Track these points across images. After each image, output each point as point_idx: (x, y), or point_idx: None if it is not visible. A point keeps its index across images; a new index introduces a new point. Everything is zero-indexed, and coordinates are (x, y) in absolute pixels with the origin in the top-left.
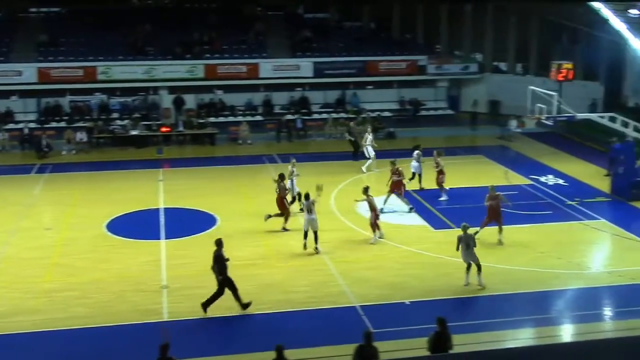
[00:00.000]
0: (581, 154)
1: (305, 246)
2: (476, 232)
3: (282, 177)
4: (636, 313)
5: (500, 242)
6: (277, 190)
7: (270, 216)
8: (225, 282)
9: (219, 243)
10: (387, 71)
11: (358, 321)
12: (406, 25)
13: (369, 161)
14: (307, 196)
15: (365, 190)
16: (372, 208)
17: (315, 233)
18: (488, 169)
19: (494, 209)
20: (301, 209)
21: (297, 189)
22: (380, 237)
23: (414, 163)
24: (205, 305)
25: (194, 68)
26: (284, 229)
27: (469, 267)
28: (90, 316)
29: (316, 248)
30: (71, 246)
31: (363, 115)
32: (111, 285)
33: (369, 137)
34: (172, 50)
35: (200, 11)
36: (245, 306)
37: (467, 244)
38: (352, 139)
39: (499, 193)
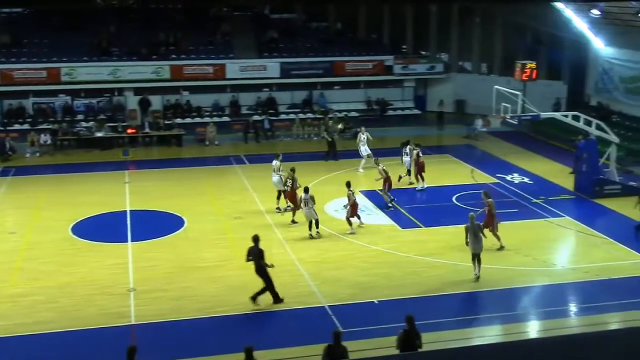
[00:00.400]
0: (546, 153)
1: (311, 236)
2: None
3: (293, 170)
4: (601, 308)
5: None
6: (289, 184)
7: (285, 210)
8: (260, 273)
9: (255, 239)
10: (354, 71)
11: (327, 321)
12: (372, 26)
13: (363, 160)
14: (306, 189)
15: (348, 184)
16: (351, 203)
17: (317, 221)
18: (454, 168)
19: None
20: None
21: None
22: (352, 231)
23: (405, 158)
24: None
25: (160, 69)
26: (293, 222)
27: (474, 257)
28: (56, 320)
29: (318, 232)
30: (36, 250)
31: (330, 116)
32: (77, 289)
33: (363, 136)
34: (138, 51)
35: (166, 12)
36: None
37: (474, 233)
38: (330, 138)
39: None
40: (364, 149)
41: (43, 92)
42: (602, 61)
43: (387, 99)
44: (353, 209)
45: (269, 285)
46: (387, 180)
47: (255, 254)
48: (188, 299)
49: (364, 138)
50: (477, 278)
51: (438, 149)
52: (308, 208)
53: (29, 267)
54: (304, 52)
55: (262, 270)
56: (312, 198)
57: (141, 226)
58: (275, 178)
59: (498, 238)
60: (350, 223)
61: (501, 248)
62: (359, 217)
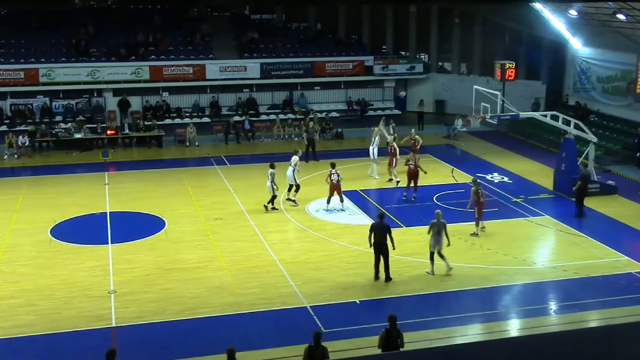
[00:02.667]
0: (525, 152)
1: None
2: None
3: (333, 165)
4: (580, 306)
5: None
6: (330, 179)
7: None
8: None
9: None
10: (334, 72)
11: (309, 321)
12: (352, 26)
13: (374, 165)
14: (272, 165)
15: (332, 165)
16: (333, 183)
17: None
18: (435, 167)
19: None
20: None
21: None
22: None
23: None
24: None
25: (140, 70)
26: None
27: (432, 255)
28: (36, 324)
29: (273, 207)
30: (14, 252)
31: (311, 116)
32: (57, 291)
33: (377, 138)
34: (117, 51)
35: (145, 12)
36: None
37: (438, 230)
38: (307, 139)
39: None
40: (376, 152)
41: (21, 93)
42: (580, 61)
43: (367, 99)
44: (333, 188)
45: (387, 262)
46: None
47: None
48: (169, 301)
49: (377, 140)
50: (432, 273)
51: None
52: (269, 182)
53: (7, 270)
54: (284, 52)
55: (384, 246)
56: (273, 174)
57: (121, 228)
58: (289, 172)
59: (477, 225)
60: (329, 201)
61: (474, 234)
62: (341, 199)
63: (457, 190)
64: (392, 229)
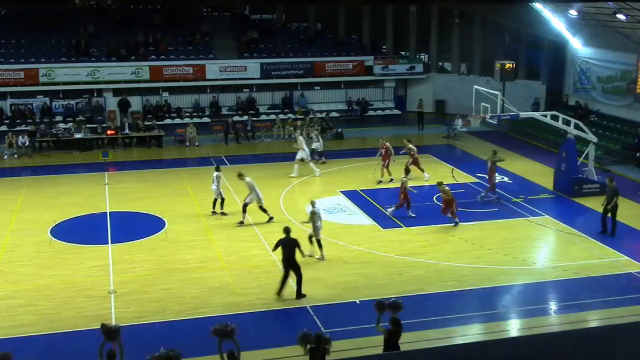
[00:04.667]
0: (525, 152)
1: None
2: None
3: (407, 171)
4: (580, 306)
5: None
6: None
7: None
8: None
9: (287, 230)
10: (334, 72)
11: (309, 321)
12: (352, 27)
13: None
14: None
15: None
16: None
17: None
18: (435, 167)
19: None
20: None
21: None
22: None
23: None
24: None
25: (140, 70)
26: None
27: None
28: (36, 324)
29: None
30: (14, 252)
31: (311, 116)
32: (57, 291)
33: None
34: (117, 51)
35: (145, 12)
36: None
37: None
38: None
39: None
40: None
41: (21, 93)
42: (580, 61)
43: (367, 99)
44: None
45: (299, 278)
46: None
47: (288, 245)
48: (169, 301)
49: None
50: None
51: (419, 148)
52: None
53: (7, 270)
54: (284, 52)
55: (293, 262)
56: (219, 177)
57: (121, 228)
58: (213, 186)
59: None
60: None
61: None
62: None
63: (457, 190)
64: (391, 229)
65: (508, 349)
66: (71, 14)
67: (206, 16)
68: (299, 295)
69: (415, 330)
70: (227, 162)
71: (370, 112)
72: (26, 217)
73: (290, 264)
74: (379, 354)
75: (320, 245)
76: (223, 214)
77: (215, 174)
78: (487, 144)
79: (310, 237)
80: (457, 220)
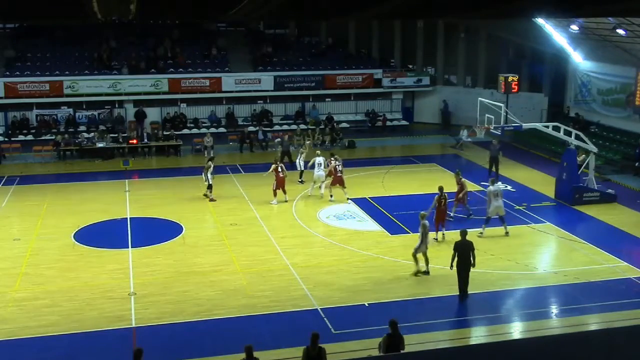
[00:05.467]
0: (528, 162)
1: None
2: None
3: (458, 173)
4: (580, 310)
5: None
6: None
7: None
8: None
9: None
10: (345, 84)
11: (320, 323)
12: (362, 41)
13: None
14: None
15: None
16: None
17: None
18: (441, 176)
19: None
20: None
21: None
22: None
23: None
24: None
25: (159, 82)
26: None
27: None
28: (60, 324)
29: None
30: (40, 256)
31: (321, 127)
32: (80, 293)
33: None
34: (137, 65)
35: (165, 27)
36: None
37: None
38: (285, 149)
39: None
40: None
41: (46, 104)
42: (581, 74)
43: (376, 110)
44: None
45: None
46: (463, 190)
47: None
48: (186, 303)
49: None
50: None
51: (425, 158)
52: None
53: (33, 273)
54: (296, 65)
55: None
56: (209, 167)
57: (141, 233)
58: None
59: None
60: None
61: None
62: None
63: None
64: (399, 235)
65: (511, 351)
66: (94, 29)
67: (222, 31)
68: (465, 293)
69: (421, 332)
70: (241, 170)
71: (379, 123)
72: (51, 223)
73: (464, 267)
74: (384, 355)
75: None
76: (211, 199)
77: (208, 163)
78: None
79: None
80: (471, 212)
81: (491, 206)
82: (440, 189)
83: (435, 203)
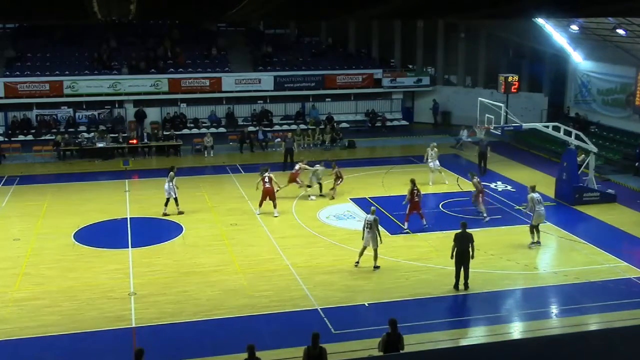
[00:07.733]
0: (528, 162)
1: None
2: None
3: (473, 175)
4: (580, 310)
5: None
6: (477, 187)
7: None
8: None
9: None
10: (345, 84)
11: (320, 323)
12: (362, 41)
13: (432, 175)
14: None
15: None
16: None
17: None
18: (441, 176)
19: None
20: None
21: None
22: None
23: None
24: None
25: (159, 82)
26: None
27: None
28: (60, 324)
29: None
30: (40, 256)
31: (321, 127)
32: (80, 293)
33: (432, 151)
34: (137, 65)
35: (164, 27)
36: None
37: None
38: (289, 147)
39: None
40: (433, 164)
41: (46, 104)
42: (581, 74)
43: (376, 110)
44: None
45: (467, 273)
46: (482, 192)
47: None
48: (187, 303)
49: (432, 154)
50: None
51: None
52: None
53: (33, 273)
54: (296, 65)
55: (465, 256)
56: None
57: (141, 233)
58: (166, 185)
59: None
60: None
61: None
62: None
63: (462, 198)
64: (399, 235)
65: (510, 351)
66: (94, 29)
67: (222, 31)
68: (467, 286)
69: (421, 332)
70: (241, 170)
71: (379, 123)
72: (51, 223)
73: (462, 258)
74: (384, 355)
75: (537, 231)
76: (180, 212)
77: (170, 173)
78: (491, 153)
79: (532, 227)
80: (485, 215)
81: (535, 214)
82: (412, 181)
83: (408, 196)
